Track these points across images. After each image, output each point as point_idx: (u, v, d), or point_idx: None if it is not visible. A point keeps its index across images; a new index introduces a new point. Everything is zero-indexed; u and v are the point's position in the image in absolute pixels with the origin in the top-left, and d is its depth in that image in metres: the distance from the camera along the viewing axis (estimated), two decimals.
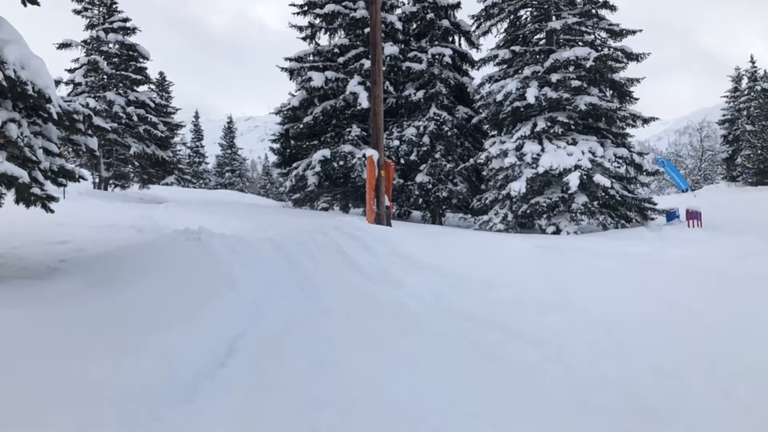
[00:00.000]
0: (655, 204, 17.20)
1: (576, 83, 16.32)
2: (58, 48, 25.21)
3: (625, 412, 3.42)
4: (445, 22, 21.69)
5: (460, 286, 6.46)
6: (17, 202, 5.44)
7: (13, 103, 5.45)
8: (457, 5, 22.73)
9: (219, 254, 7.30)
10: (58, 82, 24.27)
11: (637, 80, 18.16)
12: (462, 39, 23.09)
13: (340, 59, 22.75)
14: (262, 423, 3.19)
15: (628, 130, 17.77)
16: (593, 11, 18.03)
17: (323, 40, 24.94)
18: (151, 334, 4.04)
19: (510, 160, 16.50)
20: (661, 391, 3.68)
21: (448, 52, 20.76)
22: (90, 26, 26.11)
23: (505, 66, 19.19)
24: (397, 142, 20.61)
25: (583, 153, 15.72)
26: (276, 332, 4.82)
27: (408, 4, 22.69)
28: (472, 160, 19.20)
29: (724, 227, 13.09)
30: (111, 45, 25.86)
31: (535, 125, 16.65)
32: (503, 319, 5.37)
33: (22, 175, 5.12)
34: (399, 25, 21.80)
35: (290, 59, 24.25)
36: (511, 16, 19.52)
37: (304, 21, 24.81)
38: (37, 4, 5.86)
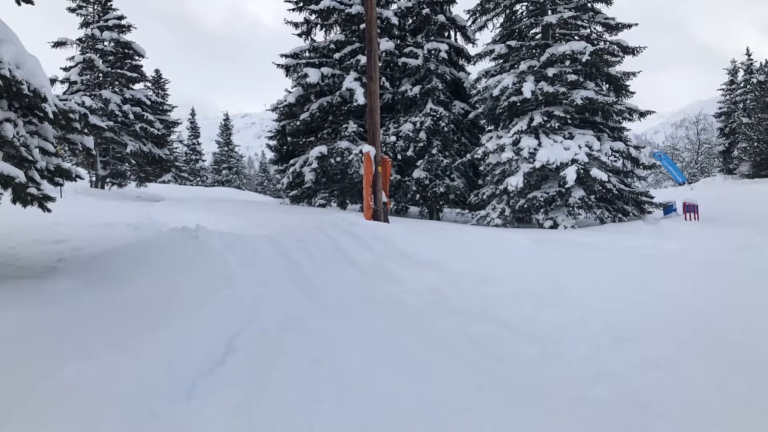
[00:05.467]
0: (652, 197, 17.26)
1: (572, 77, 16.33)
2: (53, 46, 25.11)
3: (621, 407, 3.45)
4: (441, 18, 21.65)
5: (458, 282, 6.47)
6: (14, 201, 5.43)
7: (8, 102, 5.44)
8: (453, 0, 22.70)
9: (216, 252, 7.30)
10: (53, 81, 24.20)
11: (633, 74, 18.21)
12: (458, 34, 23.08)
13: (336, 55, 22.72)
14: (261, 420, 3.20)
15: (625, 124, 17.82)
16: (589, 5, 18.04)
17: (319, 36, 25.00)
18: (149, 333, 4.05)
19: (507, 154, 16.52)
20: (658, 385, 3.70)
21: (444, 47, 20.73)
22: (84, 24, 26.01)
23: (501, 61, 19.20)
24: (393, 138, 20.61)
25: (579, 147, 15.74)
26: (274, 330, 4.83)
27: None
28: (469, 156, 19.22)
29: (720, 220, 13.12)
30: (106, 43, 25.77)
31: (531, 120, 16.66)
32: (500, 314, 5.39)
33: (19, 174, 5.12)
34: (395, 21, 21.76)
35: (286, 55, 24.21)
36: (507, 11, 19.53)
37: (299, 17, 24.83)
38: (32, 3, 5.85)
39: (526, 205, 16.41)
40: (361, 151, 16.71)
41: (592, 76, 17.35)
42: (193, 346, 4.09)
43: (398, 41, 22.09)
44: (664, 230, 12.15)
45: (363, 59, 20.31)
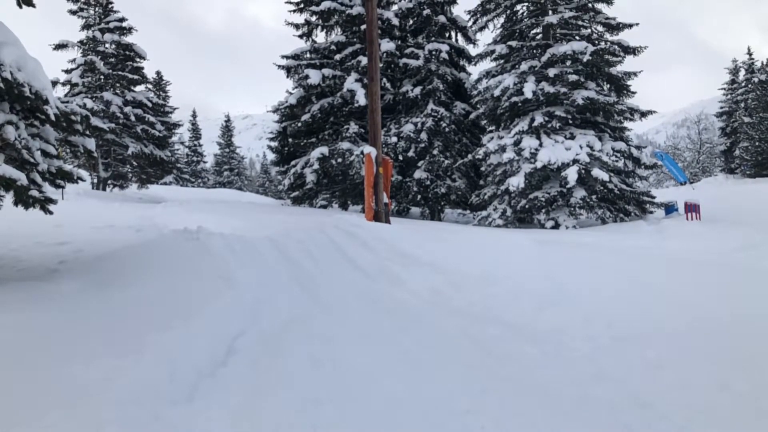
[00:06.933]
0: (654, 197, 17.24)
1: (573, 77, 16.32)
2: (55, 49, 25.13)
3: (624, 407, 3.44)
4: (442, 18, 21.66)
5: (459, 283, 6.47)
6: (16, 204, 5.44)
7: (10, 105, 5.45)
8: (453, 1, 22.70)
9: (218, 253, 7.32)
10: (54, 83, 24.23)
11: (635, 74, 18.19)
12: (459, 35, 23.07)
13: (337, 56, 22.72)
14: (263, 422, 3.21)
15: (626, 124, 17.80)
16: (589, 5, 18.03)
17: (320, 37, 24.95)
18: (151, 334, 4.05)
19: (508, 155, 16.51)
20: (660, 385, 3.69)
21: (444, 48, 20.73)
22: (86, 26, 26.04)
23: (502, 61, 19.19)
24: (395, 139, 20.61)
25: (581, 147, 15.73)
26: (276, 331, 4.84)
27: (404, 0, 22.65)
28: (470, 156, 19.21)
29: (722, 220, 13.10)
30: (107, 45, 25.80)
31: (532, 120, 16.66)
32: (502, 314, 5.39)
33: (21, 177, 5.12)
34: (395, 22, 21.76)
35: (287, 57, 24.21)
36: (508, 11, 19.54)
37: (300, 18, 24.80)
38: (33, 5, 5.85)
39: (527, 206, 16.40)
40: (362, 152, 16.73)
41: (593, 76, 17.33)
42: (194, 348, 4.09)
43: (399, 42, 22.09)
44: (666, 230, 12.14)
45: (364, 60, 20.31)
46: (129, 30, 26.11)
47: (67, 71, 25.60)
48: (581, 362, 4.17)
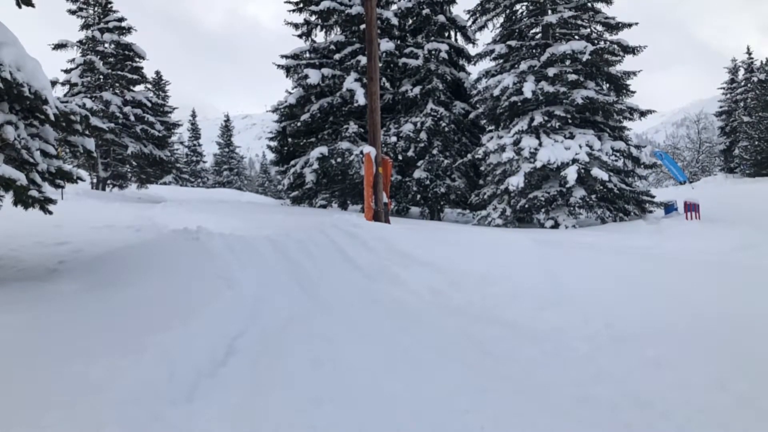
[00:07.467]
0: (653, 197, 17.25)
1: (573, 77, 16.32)
2: (54, 49, 25.10)
3: (623, 406, 3.44)
4: (441, 18, 21.65)
5: (459, 282, 6.47)
6: (15, 204, 5.44)
7: (9, 105, 5.45)
8: (453, 0, 22.70)
9: (218, 253, 7.32)
10: (54, 83, 24.21)
11: (634, 73, 18.21)
12: (458, 34, 23.08)
13: (336, 56, 22.73)
14: (262, 422, 3.20)
15: (626, 123, 17.80)
16: (589, 5, 18.03)
17: (319, 37, 24.96)
18: (150, 334, 4.05)
19: (508, 154, 16.51)
20: (660, 385, 3.69)
21: (444, 47, 20.73)
22: (85, 26, 26.01)
23: (501, 61, 19.20)
24: (394, 139, 20.61)
25: (580, 147, 15.73)
26: (275, 331, 4.84)
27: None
28: (469, 156, 19.21)
29: (722, 219, 13.11)
30: (106, 45, 25.78)
31: (532, 120, 16.66)
32: (502, 314, 5.39)
33: (20, 177, 5.12)
34: (395, 21, 21.76)
35: (286, 56, 24.22)
36: (507, 11, 19.54)
37: (299, 18, 24.86)
38: (32, 5, 5.85)
39: (527, 205, 16.40)
40: (361, 152, 16.72)
41: (593, 76, 17.34)
42: (194, 348, 4.09)
43: (398, 42, 22.08)
44: (665, 230, 12.14)
45: (363, 60, 20.31)
46: (128, 30, 26.08)
47: (67, 71, 25.58)
48: (581, 362, 4.17)
